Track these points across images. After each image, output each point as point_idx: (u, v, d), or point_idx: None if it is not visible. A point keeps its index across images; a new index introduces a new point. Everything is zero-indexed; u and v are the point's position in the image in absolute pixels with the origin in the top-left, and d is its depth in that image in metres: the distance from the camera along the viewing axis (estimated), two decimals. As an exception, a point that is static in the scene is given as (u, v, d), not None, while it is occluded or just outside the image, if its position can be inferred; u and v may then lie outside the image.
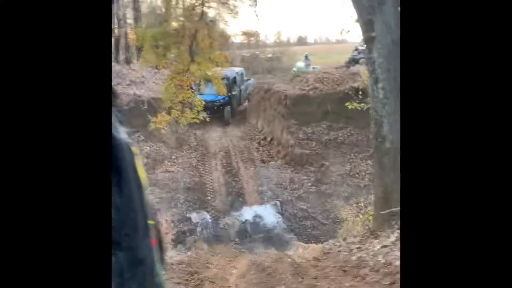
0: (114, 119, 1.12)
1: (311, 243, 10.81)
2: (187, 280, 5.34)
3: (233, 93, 17.39)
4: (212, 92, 14.37)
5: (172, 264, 5.85)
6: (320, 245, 7.73)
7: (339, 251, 5.75)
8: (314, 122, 14.67)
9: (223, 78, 13.75)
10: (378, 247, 4.99)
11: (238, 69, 18.88)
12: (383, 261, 4.52)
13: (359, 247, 5.36)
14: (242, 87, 18.84)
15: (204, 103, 14.43)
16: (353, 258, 5.07)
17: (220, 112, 16.91)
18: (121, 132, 1.12)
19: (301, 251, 8.77)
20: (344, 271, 4.85)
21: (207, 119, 14.38)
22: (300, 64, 23.01)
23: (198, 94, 14.54)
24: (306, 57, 23.02)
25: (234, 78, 17.61)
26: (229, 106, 17.31)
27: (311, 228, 12.34)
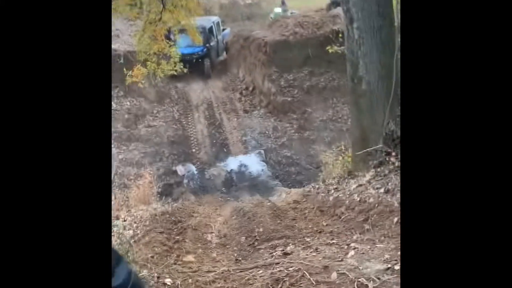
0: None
1: (294, 188, 11.06)
2: (170, 229, 5.45)
3: (211, 44, 16.75)
4: (187, 42, 13.89)
5: (156, 216, 5.95)
6: (301, 189, 7.90)
7: (318, 193, 5.88)
8: (295, 69, 14.49)
9: (198, 29, 13.30)
10: (354, 186, 5.10)
11: (214, 18, 17.93)
12: (358, 199, 4.64)
13: (336, 188, 5.49)
14: (219, 37, 18.18)
15: (180, 55, 14.05)
16: (330, 198, 5.20)
17: (199, 65, 16.31)
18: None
19: (284, 196, 8.98)
20: (321, 211, 4.99)
21: (186, 71, 14.01)
22: (277, 9, 21.92)
23: (175, 46, 14.06)
24: (283, 2, 21.92)
25: (211, 28, 16.93)
26: (208, 59, 16.67)
27: (295, 174, 12.57)
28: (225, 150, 13.54)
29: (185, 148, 13.38)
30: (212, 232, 5.42)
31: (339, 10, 16.08)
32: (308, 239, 3.84)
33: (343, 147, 9.96)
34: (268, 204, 5.81)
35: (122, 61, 13.49)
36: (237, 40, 16.88)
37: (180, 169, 12.49)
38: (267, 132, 13.84)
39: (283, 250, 3.60)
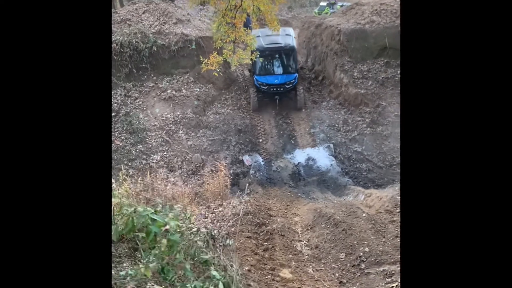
0: None
1: (368, 187, 10.50)
2: (256, 233, 5.20)
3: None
4: (267, 33, 13.04)
5: (238, 215, 5.73)
6: (384, 193, 7.36)
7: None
8: (370, 59, 13.73)
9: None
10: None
11: (289, 30, 14.78)
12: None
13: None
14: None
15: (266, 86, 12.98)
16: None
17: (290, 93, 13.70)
18: None
19: (362, 197, 8.49)
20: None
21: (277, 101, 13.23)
22: (323, 3, 20.04)
23: (258, 75, 13.28)
24: None
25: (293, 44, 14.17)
26: (301, 87, 13.83)
27: (366, 171, 11.98)
28: (292, 142, 13.17)
29: (251, 137, 13.16)
30: (301, 241, 5.12)
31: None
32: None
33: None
34: (364, 215, 5.37)
35: (193, 46, 13.41)
36: (308, 27, 16.25)
37: (247, 159, 12.30)
38: (336, 125, 13.29)
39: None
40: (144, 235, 2.26)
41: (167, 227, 2.27)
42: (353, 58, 13.84)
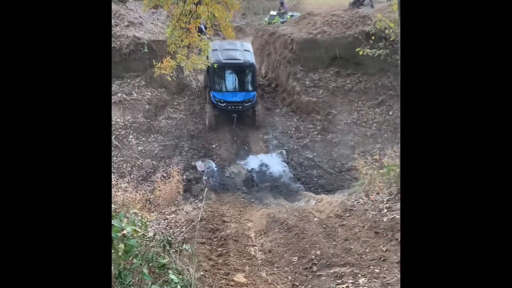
0: None
1: (319, 193, 10.77)
2: (209, 238, 5.19)
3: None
4: (224, 47, 12.89)
5: (192, 221, 5.69)
6: (334, 198, 7.61)
7: (366, 209, 5.59)
8: (321, 68, 14.14)
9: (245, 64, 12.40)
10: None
11: (247, 45, 14.46)
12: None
13: (389, 207, 5.19)
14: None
15: (223, 103, 12.44)
16: (384, 219, 4.91)
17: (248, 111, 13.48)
18: None
19: (313, 202, 8.70)
20: (376, 233, 4.71)
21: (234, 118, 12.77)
22: (273, 12, 19.73)
23: (216, 91, 12.71)
24: (282, 4, 19.44)
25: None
26: (260, 106, 13.54)
27: (317, 177, 12.27)
28: (245, 148, 13.25)
29: (204, 143, 13.10)
30: (255, 245, 5.16)
31: (368, 11, 15.71)
32: (376, 270, 3.56)
33: (377, 156, 9.68)
34: (315, 220, 5.51)
35: (146, 50, 13.18)
36: (262, 35, 16.50)
37: (200, 165, 12.21)
38: (289, 132, 13.54)
39: (353, 282, 3.33)
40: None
41: (124, 232, 2.23)
42: (305, 67, 14.19)
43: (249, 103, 13.11)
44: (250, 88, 13.09)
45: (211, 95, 13.03)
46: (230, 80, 13.14)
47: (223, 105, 12.97)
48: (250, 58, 13.30)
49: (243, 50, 13.50)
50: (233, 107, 13.06)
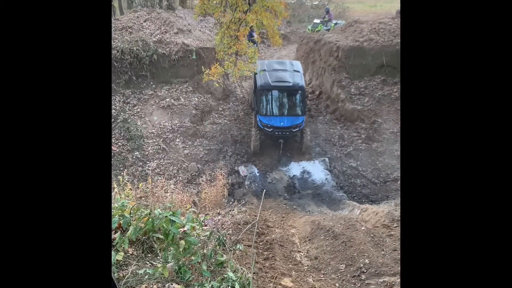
0: None
1: (363, 202, 10.60)
2: (255, 242, 5.26)
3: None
4: (273, 67, 12.48)
5: (238, 224, 5.78)
6: (380, 208, 7.47)
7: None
8: (367, 76, 13.97)
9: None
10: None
11: (295, 63, 13.82)
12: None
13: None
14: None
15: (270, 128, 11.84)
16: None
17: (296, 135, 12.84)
18: None
19: (358, 212, 8.58)
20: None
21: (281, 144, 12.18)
22: (316, 21, 19.40)
23: (262, 116, 12.10)
24: (327, 12, 19.06)
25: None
26: (308, 131, 12.87)
27: (360, 186, 12.09)
28: (288, 154, 13.28)
29: (248, 148, 13.25)
30: (300, 251, 5.18)
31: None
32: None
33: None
34: (362, 228, 5.46)
35: (194, 56, 13.54)
36: (307, 42, 16.52)
37: (243, 170, 12.37)
38: (332, 140, 13.43)
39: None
40: (161, 236, 2.32)
41: (185, 228, 2.33)
42: (351, 74, 14.07)
43: (297, 129, 12.44)
44: (299, 112, 12.35)
45: (258, 119, 12.50)
46: (278, 104, 12.45)
47: (269, 130, 12.38)
48: (300, 80, 12.51)
49: (293, 71, 12.87)
50: (280, 133, 12.40)
